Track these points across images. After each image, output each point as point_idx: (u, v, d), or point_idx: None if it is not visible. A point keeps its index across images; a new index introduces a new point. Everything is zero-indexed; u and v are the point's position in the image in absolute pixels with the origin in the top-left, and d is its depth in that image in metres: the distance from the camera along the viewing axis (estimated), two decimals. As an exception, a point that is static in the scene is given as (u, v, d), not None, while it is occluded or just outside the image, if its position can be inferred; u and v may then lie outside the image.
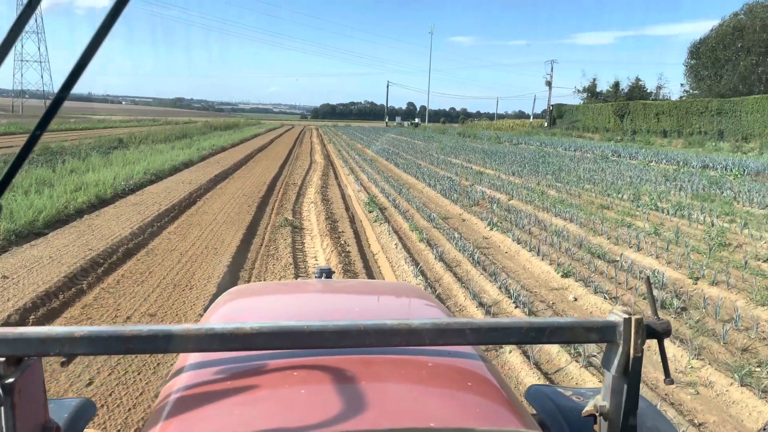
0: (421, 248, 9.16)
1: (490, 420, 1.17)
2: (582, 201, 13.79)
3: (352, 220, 11.92)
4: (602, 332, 1.17)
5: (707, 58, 56.43)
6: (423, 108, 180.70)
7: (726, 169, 22.11)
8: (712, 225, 10.89)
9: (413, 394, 1.23)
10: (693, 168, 23.43)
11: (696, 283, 7.22)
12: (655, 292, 6.66)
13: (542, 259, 8.21)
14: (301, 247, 9.43)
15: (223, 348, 1.08)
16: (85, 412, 1.44)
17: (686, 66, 64.07)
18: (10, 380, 0.98)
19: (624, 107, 60.06)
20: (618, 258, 8.49)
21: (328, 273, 2.71)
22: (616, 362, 1.15)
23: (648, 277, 1.36)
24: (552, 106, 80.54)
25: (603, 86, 78.77)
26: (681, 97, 64.84)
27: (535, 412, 1.56)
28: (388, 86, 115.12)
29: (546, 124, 78.69)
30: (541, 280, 7.63)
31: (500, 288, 6.87)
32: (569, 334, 1.18)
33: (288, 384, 1.20)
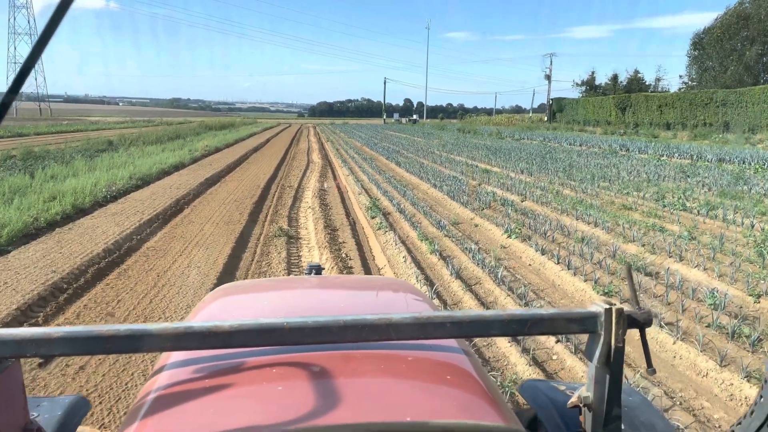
0: (432, 261, 8.09)
1: (469, 413, 1.16)
2: (602, 201, 12.72)
3: (354, 227, 10.85)
4: (583, 323, 1.15)
5: (712, 49, 55.29)
6: (420, 104, 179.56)
7: (744, 163, 21.04)
8: (752, 227, 9.84)
9: (392, 389, 1.21)
10: (708, 162, 22.37)
11: (758, 302, 6.16)
12: (725, 319, 5.59)
13: (574, 274, 7.14)
14: (297, 262, 8.36)
15: (202, 346, 1.07)
16: (79, 409, 1.39)
17: (689, 57, 62.97)
18: None
19: (625, 100, 58.97)
20: (660, 270, 7.43)
21: (317, 269, 2.71)
22: (597, 353, 1.13)
23: (629, 266, 1.43)
24: (551, 100, 79.44)
25: (601, 79, 77.74)
26: (680, 89, 63.84)
27: (529, 406, 1.49)
28: (385, 83, 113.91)
29: (546, 119, 77.64)
30: (577, 300, 6.56)
31: (533, 314, 5.79)
32: (551, 326, 1.17)
33: (267, 381, 1.20)
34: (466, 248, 8.60)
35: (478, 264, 7.71)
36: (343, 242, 9.42)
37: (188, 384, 1.22)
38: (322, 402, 1.11)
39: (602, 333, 1.13)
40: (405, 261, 7.99)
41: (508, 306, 6.14)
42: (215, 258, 8.04)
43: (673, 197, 13.26)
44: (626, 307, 1.17)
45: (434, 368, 1.33)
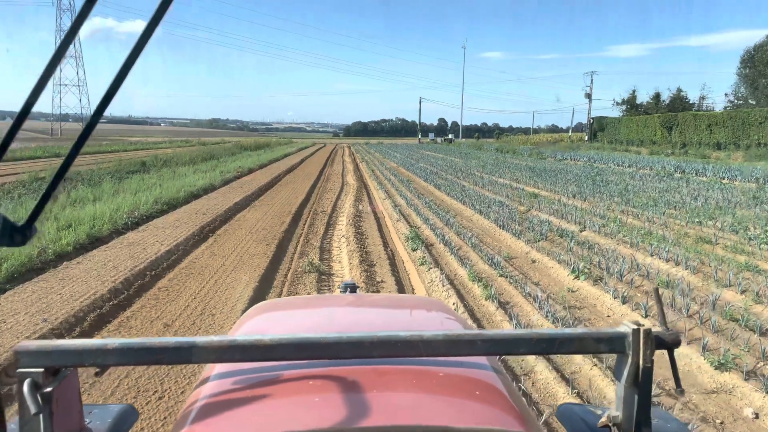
0: (490, 310, 6.78)
1: (502, 427, 1.18)
2: (673, 233, 11.20)
3: (393, 261, 9.62)
4: (611, 343, 1.16)
5: (764, 66, 52.68)
6: (455, 124, 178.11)
7: (821, 187, 19.08)
8: None
9: (425, 402, 1.25)
10: (778, 186, 20.41)
11: None
12: None
13: (671, 333, 5.73)
14: (329, 306, 7.15)
15: (244, 359, 1.12)
16: (127, 417, 1.40)
17: (738, 75, 60.41)
18: (48, 390, 1.02)
19: (672, 119, 56.59)
20: (776, 328, 5.97)
21: (352, 288, 2.92)
22: (626, 373, 1.14)
23: (656, 289, 1.37)
24: (592, 119, 77.22)
25: (642, 98, 75.28)
26: (726, 108, 61.19)
27: (565, 430, 1.43)
28: (420, 102, 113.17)
29: (586, 138, 75.44)
30: (682, 371, 5.16)
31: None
32: (579, 345, 1.17)
33: (305, 392, 1.25)
34: (528, 293, 7.26)
35: (546, 316, 6.36)
36: (382, 281, 8.20)
37: (232, 394, 1.28)
38: (358, 412, 1.15)
39: (630, 353, 1.13)
40: (456, 309, 6.71)
41: (593, 377, 4.78)
42: (233, 303, 6.90)
43: (755, 228, 11.64)
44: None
45: (466, 384, 1.35)
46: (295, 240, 11.29)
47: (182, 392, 4.65)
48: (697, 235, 10.95)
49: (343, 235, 11.61)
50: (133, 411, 1.47)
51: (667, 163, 31.58)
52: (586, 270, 8.18)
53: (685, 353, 5.37)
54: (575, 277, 8.00)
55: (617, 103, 78.00)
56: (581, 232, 11.53)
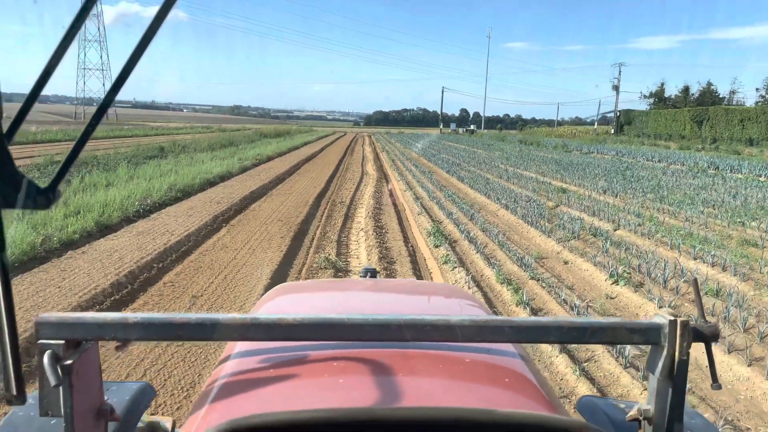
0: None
1: (530, 410, 1.13)
2: (715, 234, 10.43)
3: (414, 258, 9.05)
4: (646, 334, 1.12)
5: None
6: (476, 114, 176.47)
7: None
8: None
9: (451, 386, 1.22)
10: (821, 185, 19.37)
11: None
12: None
13: (729, 352, 5.09)
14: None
15: (266, 337, 1.11)
16: (145, 395, 1.41)
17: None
18: (69, 362, 0.99)
19: (702, 113, 54.97)
20: None
21: (372, 272, 2.78)
22: (660, 365, 1.09)
23: (695, 279, 1.32)
24: (619, 112, 75.52)
25: (671, 91, 73.38)
26: (757, 103, 59.36)
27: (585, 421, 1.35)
28: (443, 92, 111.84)
29: (612, 131, 73.83)
30: (743, 396, 4.51)
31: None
32: (611, 335, 1.14)
33: (328, 373, 1.21)
34: (564, 300, 6.64)
35: (585, 327, 5.74)
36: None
37: (253, 373, 1.25)
38: (383, 394, 1.11)
39: (666, 345, 1.09)
40: (484, 315, 6.12)
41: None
42: (242, 302, 6.39)
43: (806, 231, 10.81)
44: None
45: (492, 370, 1.31)
46: (312, 233, 10.77)
47: (179, 407, 4.15)
48: (741, 237, 10.18)
49: (362, 229, 11.05)
50: (150, 389, 1.46)
51: (699, 158, 30.44)
52: (625, 274, 7.51)
53: (746, 376, 4.73)
54: (614, 282, 7.34)
55: (645, 96, 76.31)
56: (615, 230, 10.82)
